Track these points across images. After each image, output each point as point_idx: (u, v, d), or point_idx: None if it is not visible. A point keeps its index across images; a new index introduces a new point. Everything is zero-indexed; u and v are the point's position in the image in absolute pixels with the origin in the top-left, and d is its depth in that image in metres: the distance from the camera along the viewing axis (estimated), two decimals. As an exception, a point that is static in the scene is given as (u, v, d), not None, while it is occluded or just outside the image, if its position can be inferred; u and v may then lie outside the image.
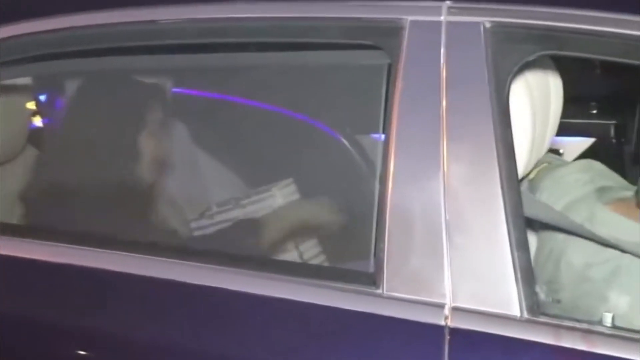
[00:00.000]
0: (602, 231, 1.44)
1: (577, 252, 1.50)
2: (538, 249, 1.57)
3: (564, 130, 1.84)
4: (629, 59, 1.24)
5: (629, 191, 1.52)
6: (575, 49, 1.27)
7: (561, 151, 1.96)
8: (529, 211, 1.36)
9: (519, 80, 1.37)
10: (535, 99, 1.43)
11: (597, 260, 1.47)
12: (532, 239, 1.56)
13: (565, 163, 1.70)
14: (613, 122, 2.28)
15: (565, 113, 1.67)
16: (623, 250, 1.44)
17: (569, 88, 1.63)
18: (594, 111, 2.37)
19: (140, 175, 1.70)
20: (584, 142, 2.16)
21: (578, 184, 1.59)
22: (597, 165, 1.63)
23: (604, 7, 1.24)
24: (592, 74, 2.12)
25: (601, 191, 1.53)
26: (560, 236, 1.51)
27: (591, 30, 1.22)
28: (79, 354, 1.42)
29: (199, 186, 1.80)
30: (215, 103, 1.81)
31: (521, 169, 1.42)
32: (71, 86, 1.71)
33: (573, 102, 1.73)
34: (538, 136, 1.46)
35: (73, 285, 1.44)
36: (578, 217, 1.48)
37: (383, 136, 1.31)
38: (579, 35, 1.24)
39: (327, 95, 1.67)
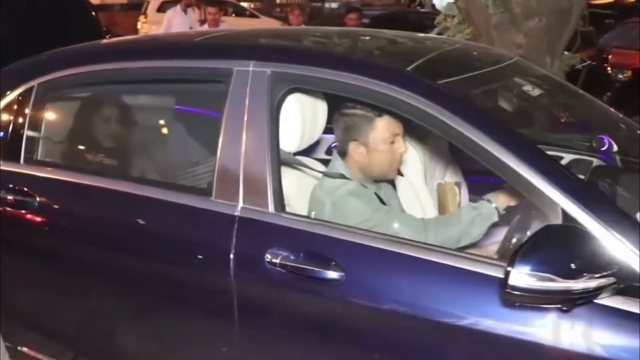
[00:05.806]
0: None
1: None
2: None
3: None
4: (344, 94, 2.53)
5: None
6: (311, 86, 2.58)
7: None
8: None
9: (293, 100, 2.60)
10: (305, 111, 2.69)
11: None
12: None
13: None
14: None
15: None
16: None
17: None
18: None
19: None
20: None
21: None
22: None
23: (325, 66, 2.49)
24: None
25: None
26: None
27: (319, 76, 2.48)
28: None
29: (187, 151, 3.29)
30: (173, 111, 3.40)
31: (295, 147, 2.69)
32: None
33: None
34: (308, 130, 2.73)
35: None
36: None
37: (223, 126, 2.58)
38: (312, 79, 2.50)
39: (201, 103, 3.03)
